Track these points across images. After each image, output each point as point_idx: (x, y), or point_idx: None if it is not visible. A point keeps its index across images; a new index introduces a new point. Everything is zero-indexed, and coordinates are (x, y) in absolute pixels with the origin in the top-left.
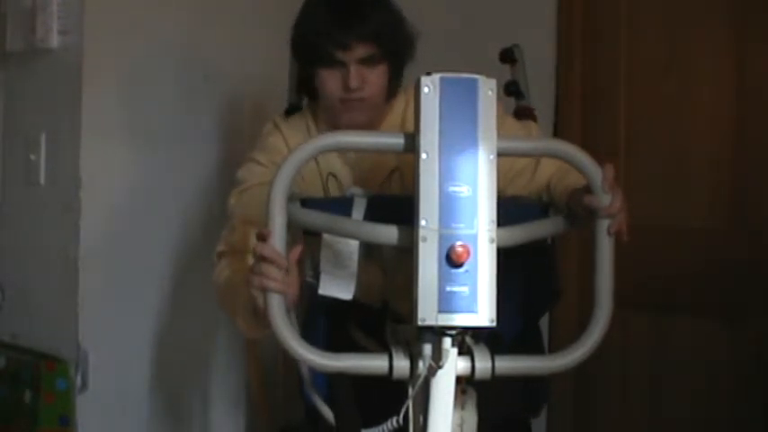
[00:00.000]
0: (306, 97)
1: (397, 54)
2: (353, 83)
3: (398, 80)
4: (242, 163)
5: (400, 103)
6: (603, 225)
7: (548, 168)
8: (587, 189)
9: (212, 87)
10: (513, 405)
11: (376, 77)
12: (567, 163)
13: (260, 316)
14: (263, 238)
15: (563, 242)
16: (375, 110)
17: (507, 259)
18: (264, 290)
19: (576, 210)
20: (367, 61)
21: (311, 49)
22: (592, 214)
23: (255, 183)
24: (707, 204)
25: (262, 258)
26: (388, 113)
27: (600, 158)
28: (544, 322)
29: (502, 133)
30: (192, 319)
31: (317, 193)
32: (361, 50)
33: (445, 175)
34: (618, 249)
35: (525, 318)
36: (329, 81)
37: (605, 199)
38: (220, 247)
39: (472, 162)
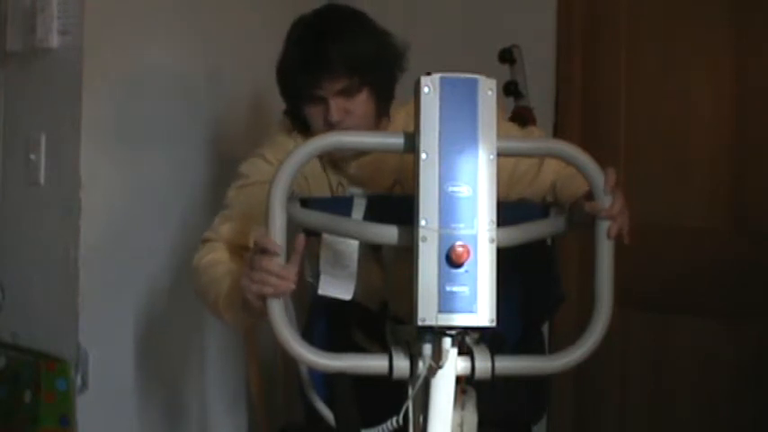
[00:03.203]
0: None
1: (379, 77)
2: (333, 117)
3: (388, 98)
4: (247, 156)
5: (401, 116)
6: (604, 227)
7: (551, 170)
8: (588, 196)
9: (212, 87)
10: (514, 405)
11: (358, 106)
12: (568, 164)
13: (250, 311)
14: (264, 250)
15: (563, 243)
16: None
17: (509, 263)
18: (262, 296)
19: (579, 218)
20: (346, 92)
21: (291, 88)
22: (593, 219)
23: (258, 179)
24: (707, 204)
25: (264, 270)
26: (389, 126)
27: (600, 158)
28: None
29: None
30: (192, 319)
31: None
32: (336, 85)
33: (445, 175)
34: (618, 249)
35: (527, 321)
36: (314, 116)
37: (606, 201)
38: (208, 234)
39: (472, 162)
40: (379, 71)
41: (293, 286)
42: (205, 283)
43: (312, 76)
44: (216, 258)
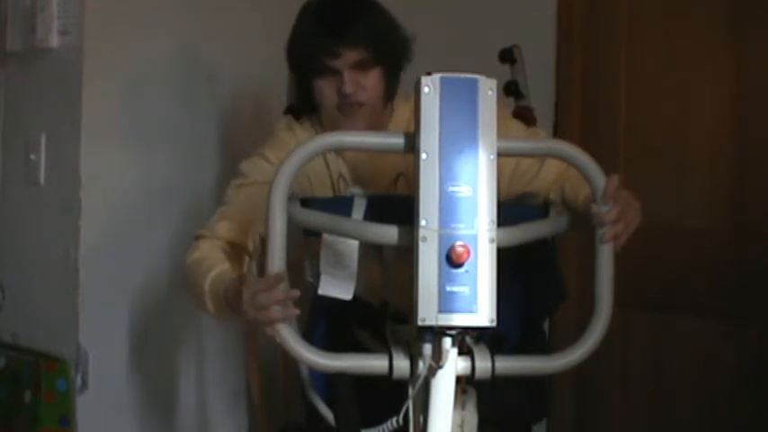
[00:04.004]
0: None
1: (391, 57)
2: (347, 89)
3: (395, 83)
4: (249, 156)
5: (404, 111)
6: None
7: (552, 170)
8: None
9: (212, 87)
10: (514, 405)
11: (370, 82)
12: (569, 164)
13: (234, 307)
14: (269, 288)
15: (563, 243)
16: (374, 115)
17: (509, 263)
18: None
19: (582, 221)
20: (360, 66)
21: (304, 60)
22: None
23: (257, 180)
24: (707, 204)
25: (270, 304)
26: (391, 120)
27: (600, 158)
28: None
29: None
30: (192, 319)
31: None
32: (352, 56)
33: (445, 175)
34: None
35: (527, 321)
36: (325, 89)
37: (603, 206)
38: (202, 231)
39: (472, 162)
40: (392, 51)
41: (297, 310)
42: (191, 282)
43: (331, 44)
44: (200, 257)
